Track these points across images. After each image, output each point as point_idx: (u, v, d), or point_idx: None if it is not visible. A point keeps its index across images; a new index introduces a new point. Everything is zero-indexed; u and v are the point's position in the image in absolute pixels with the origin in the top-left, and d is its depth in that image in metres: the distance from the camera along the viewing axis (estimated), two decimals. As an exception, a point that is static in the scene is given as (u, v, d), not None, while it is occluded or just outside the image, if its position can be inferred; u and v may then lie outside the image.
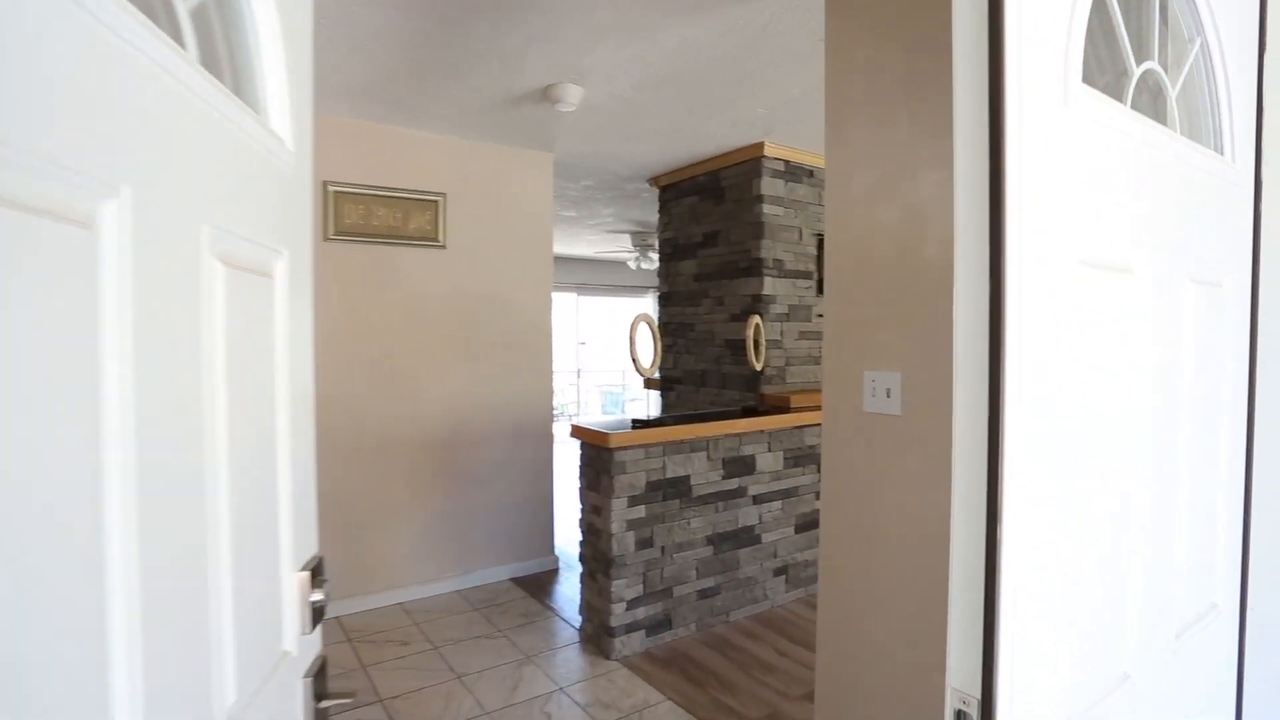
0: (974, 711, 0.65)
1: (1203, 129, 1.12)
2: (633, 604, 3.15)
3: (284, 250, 0.83)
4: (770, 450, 3.65)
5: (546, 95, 3.18)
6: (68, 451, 0.47)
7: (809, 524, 3.83)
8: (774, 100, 3.34)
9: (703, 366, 4.53)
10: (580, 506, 3.31)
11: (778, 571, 3.70)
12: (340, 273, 3.59)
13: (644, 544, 3.18)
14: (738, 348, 4.18)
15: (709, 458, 3.39)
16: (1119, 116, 0.83)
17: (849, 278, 1.85)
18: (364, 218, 3.65)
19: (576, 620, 3.48)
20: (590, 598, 3.26)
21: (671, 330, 4.78)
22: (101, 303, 0.51)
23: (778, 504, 3.69)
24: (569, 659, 3.12)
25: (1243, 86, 1.15)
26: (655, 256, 7.57)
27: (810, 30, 2.54)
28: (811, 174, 4.32)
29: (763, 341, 3.89)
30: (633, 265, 8.54)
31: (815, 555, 3.87)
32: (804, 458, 3.80)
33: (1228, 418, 1.17)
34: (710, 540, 3.41)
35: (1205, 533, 1.12)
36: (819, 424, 3.80)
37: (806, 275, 4.32)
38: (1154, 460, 0.98)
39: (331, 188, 3.54)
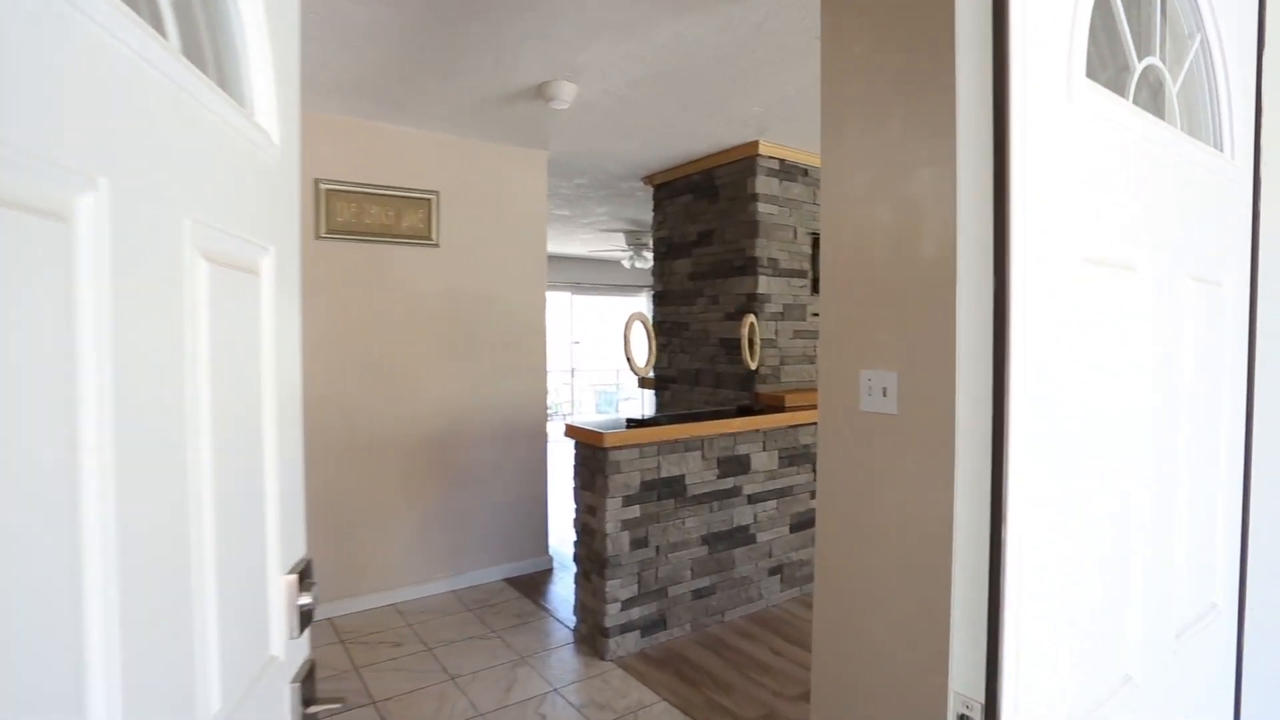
0: (978, 716, 0.64)
1: (1202, 126, 1.11)
2: (627, 604, 3.13)
3: (270, 246, 0.81)
4: (765, 449, 3.64)
5: (540, 93, 3.16)
6: (42, 452, 0.45)
7: (804, 523, 3.83)
8: (769, 98, 3.33)
9: (697, 366, 4.51)
10: (575, 506, 3.29)
11: (773, 571, 3.69)
12: (332, 271, 3.56)
13: (639, 544, 3.16)
14: (732, 347, 4.17)
15: (704, 457, 3.38)
16: (1122, 112, 0.82)
17: (845, 276, 1.83)
18: (356, 216, 3.62)
19: (571, 621, 3.46)
20: (585, 598, 3.24)
21: (666, 329, 4.76)
22: (78, 298, 0.49)
23: (772, 503, 3.68)
24: (563, 660, 3.11)
25: (1242, 83, 1.14)
26: (649, 255, 7.56)
27: (806, 27, 2.53)
28: (806, 173, 4.31)
29: (757, 340, 3.88)
30: (627, 264, 8.52)
31: (810, 555, 3.86)
32: (799, 457, 3.79)
33: (1227, 417, 1.16)
34: (705, 540, 3.40)
35: (1205, 532, 1.11)
36: (814, 423, 3.79)
37: (801, 274, 4.31)
38: (1154, 460, 0.97)
39: (323, 186, 3.51)
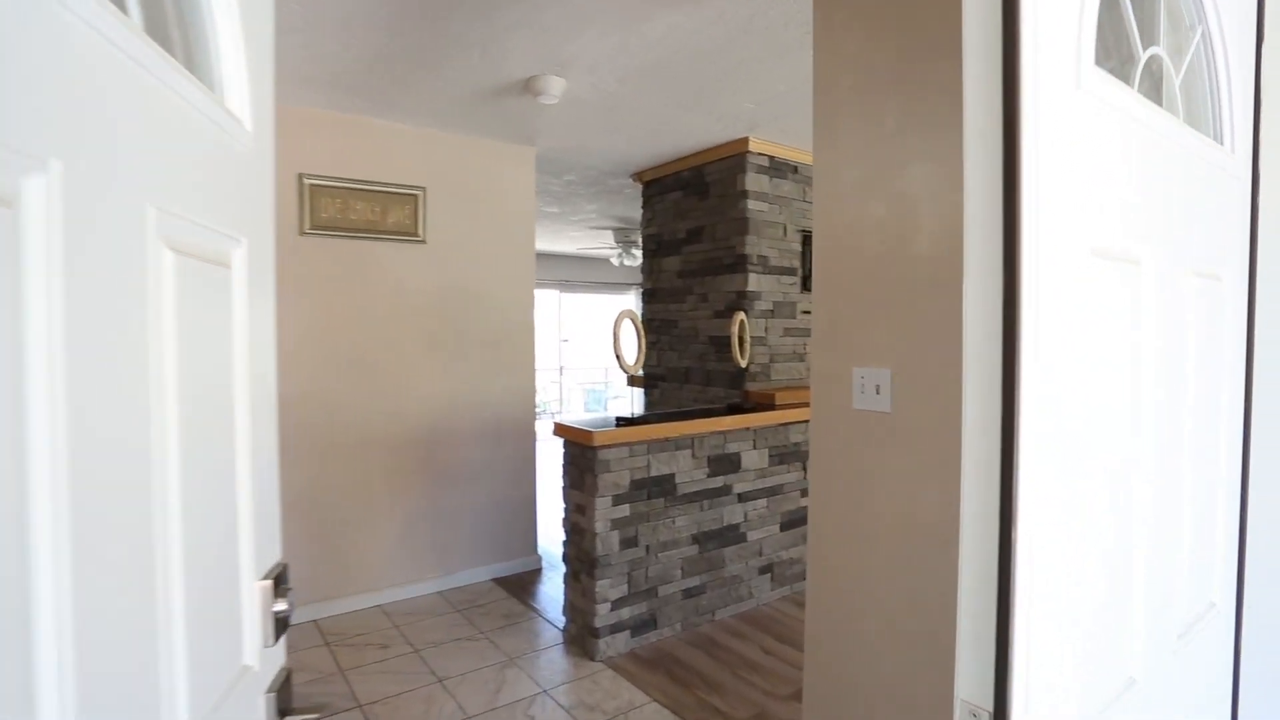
0: (984, 726, 0.61)
1: (1202, 119, 1.09)
2: (617, 604, 3.10)
3: (243, 238, 0.78)
4: (755, 448, 3.62)
5: (528, 87, 3.12)
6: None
7: (794, 522, 3.81)
8: (760, 95, 3.30)
9: (687, 363, 4.49)
10: (563, 505, 3.26)
11: (763, 570, 3.67)
12: (317, 268, 3.51)
13: (628, 543, 3.13)
14: (722, 344, 4.14)
15: (694, 456, 3.35)
16: (1128, 100, 0.80)
17: (837, 273, 1.81)
18: (341, 212, 3.57)
19: (560, 621, 3.43)
20: (574, 598, 3.21)
21: (655, 327, 4.74)
22: (26, 289, 0.46)
23: (763, 502, 3.66)
24: (552, 661, 3.07)
25: (1242, 76, 1.12)
26: (638, 253, 7.53)
27: (799, 22, 2.50)
28: (796, 170, 4.29)
29: (747, 338, 3.85)
30: (616, 262, 8.49)
31: (800, 553, 3.85)
32: (789, 455, 3.77)
33: (1226, 415, 1.15)
34: (695, 539, 3.37)
35: (1205, 529, 1.10)
36: (804, 421, 3.78)
37: (791, 272, 4.29)
38: (1156, 457, 0.95)
39: (307, 180, 3.45)
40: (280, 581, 0.85)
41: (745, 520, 3.58)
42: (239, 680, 0.77)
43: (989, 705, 0.60)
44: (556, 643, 3.24)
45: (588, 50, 2.76)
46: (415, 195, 3.76)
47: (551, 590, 3.89)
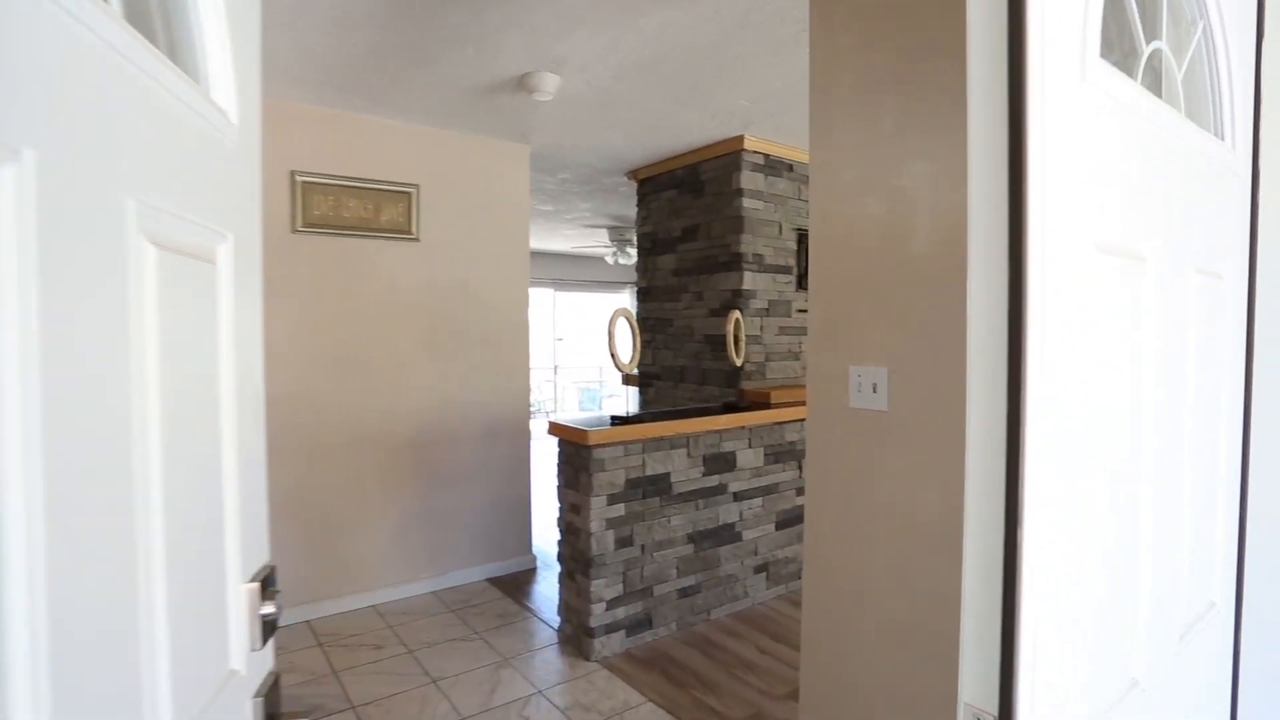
0: (989, 731, 0.60)
1: (1203, 114, 1.08)
2: (612, 604, 3.09)
3: (228, 234, 0.76)
4: (751, 446, 3.61)
5: (522, 84, 3.10)
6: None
7: (789, 521, 3.80)
8: (755, 92, 3.29)
9: (682, 362, 4.48)
10: (558, 505, 3.24)
11: (758, 569, 3.66)
12: (309, 266, 3.48)
13: (623, 542, 3.12)
14: (717, 343, 4.13)
15: (689, 455, 3.34)
16: (1132, 93, 0.79)
17: (834, 271, 1.80)
18: (334, 209, 3.54)
19: (555, 621, 3.41)
20: (569, 598, 3.20)
21: (650, 326, 4.72)
22: (-3, 282, 0.44)
23: (758, 501, 3.65)
24: (547, 661, 3.06)
25: (1243, 73, 1.11)
26: (633, 252, 7.51)
27: (795, 18, 2.49)
28: (791, 168, 4.28)
29: (743, 337, 3.84)
30: (610, 260, 8.47)
31: (795, 552, 3.84)
32: (784, 454, 3.77)
33: (1225, 414, 1.14)
34: (691, 538, 3.36)
35: (1205, 528, 1.09)
36: (800, 420, 3.77)
37: (786, 270, 4.28)
38: (1157, 457, 0.94)
39: (299, 178, 3.43)
40: (268, 584, 0.83)
41: (740, 519, 3.57)
42: (225, 685, 0.76)
43: (994, 709, 0.59)
44: (551, 643, 3.23)
45: (582, 47, 2.74)
46: (409, 193, 3.74)
47: (546, 590, 3.87)
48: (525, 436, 4.25)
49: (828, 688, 1.85)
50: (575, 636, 3.15)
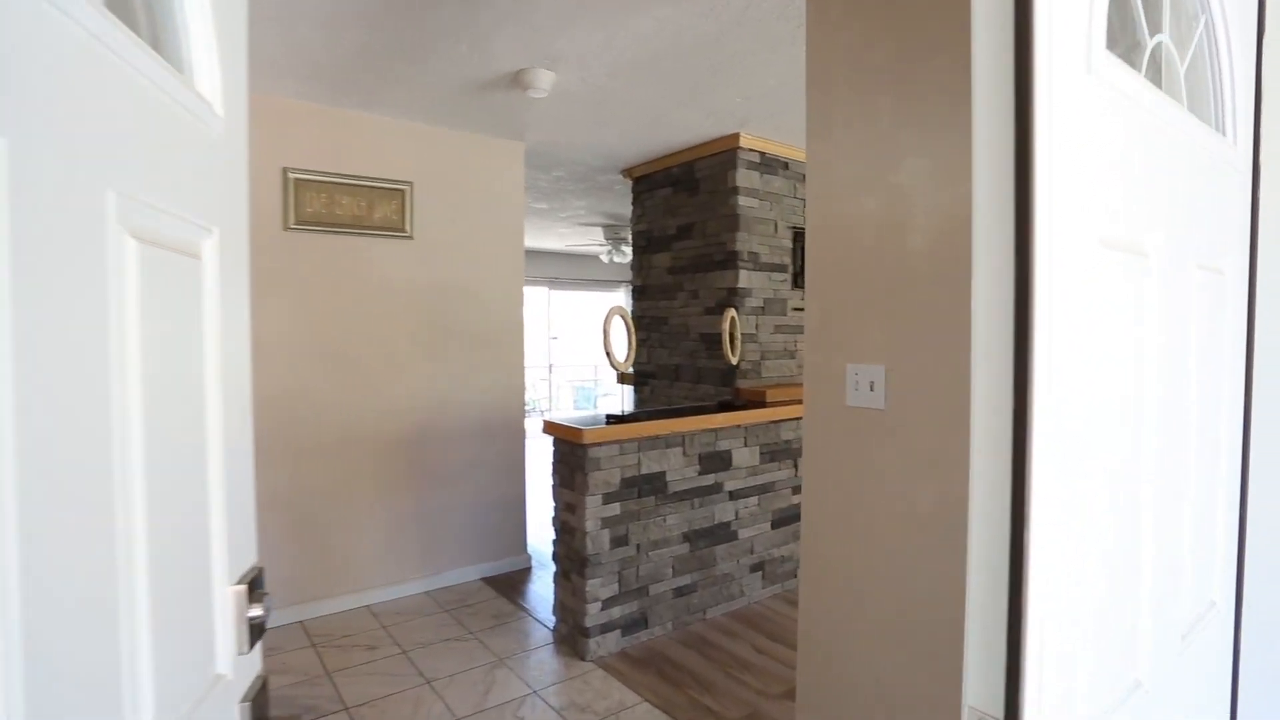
0: (993, 736, 0.59)
1: (1205, 108, 1.07)
2: (608, 603, 3.07)
3: (214, 228, 0.74)
4: (746, 445, 3.59)
5: (517, 81, 3.08)
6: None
7: (785, 519, 3.79)
8: (751, 90, 3.27)
9: (677, 361, 4.46)
10: (553, 504, 3.22)
11: (754, 568, 3.65)
12: (302, 264, 3.45)
13: (619, 542, 3.10)
14: (713, 342, 4.12)
15: (685, 453, 3.33)
16: (1137, 86, 0.77)
17: (831, 268, 1.78)
18: (326, 207, 3.51)
19: (550, 621, 3.39)
20: (564, 597, 3.18)
21: (645, 324, 4.70)
22: (-34, 277, 0.42)
23: (754, 500, 3.64)
24: (543, 661, 3.04)
25: (1244, 69, 1.10)
26: (628, 250, 7.50)
27: (791, 16, 2.48)
28: (787, 166, 4.27)
29: (738, 335, 3.83)
30: (605, 259, 8.45)
31: (792, 551, 3.83)
32: (780, 453, 3.76)
33: (1226, 413, 1.13)
34: (686, 537, 3.35)
35: (1206, 527, 1.08)
36: (796, 418, 3.76)
37: (782, 269, 4.27)
38: (1158, 457, 0.93)
39: (292, 175, 3.40)
40: (255, 586, 0.81)
41: (736, 518, 3.56)
42: (211, 689, 0.74)
43: (999, 712, 0.58)
44: (546, 643, 3.21)
45: (577, 44, 2.72)
46: (402, 190, 3.71)
47: (541, 589, 3.85)
48: (520, 435, 4.23)
49: (824, 686, 1.83)
50: (570, 636, 3.14)
